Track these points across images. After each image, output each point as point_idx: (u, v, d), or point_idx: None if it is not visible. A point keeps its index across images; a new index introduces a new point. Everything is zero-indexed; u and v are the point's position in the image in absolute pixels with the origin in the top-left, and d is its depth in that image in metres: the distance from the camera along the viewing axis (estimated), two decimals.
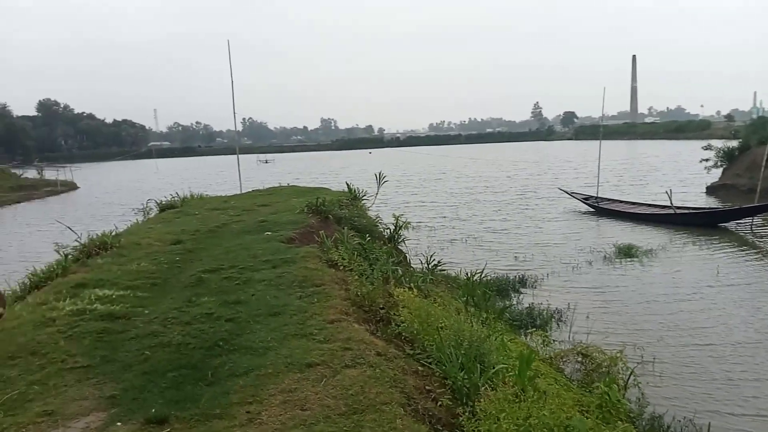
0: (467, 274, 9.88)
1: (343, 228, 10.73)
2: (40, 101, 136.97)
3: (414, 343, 4.73)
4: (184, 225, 10.49)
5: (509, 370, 4.18)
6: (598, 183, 23.87)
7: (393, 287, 6.48)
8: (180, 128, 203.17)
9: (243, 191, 18.47)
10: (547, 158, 62.00)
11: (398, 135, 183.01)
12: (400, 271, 8.18)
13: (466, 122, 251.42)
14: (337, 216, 11.05)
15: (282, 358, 3.95)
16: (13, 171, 46.70)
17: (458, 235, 18.12)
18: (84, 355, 4.21)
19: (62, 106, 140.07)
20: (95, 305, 5.25)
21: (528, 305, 10.45)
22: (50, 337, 4.51)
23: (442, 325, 4.92)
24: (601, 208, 21.94)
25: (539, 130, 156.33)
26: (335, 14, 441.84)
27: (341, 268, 6.95)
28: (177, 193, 15.19)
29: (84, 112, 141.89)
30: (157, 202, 14.10)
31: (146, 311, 5.30)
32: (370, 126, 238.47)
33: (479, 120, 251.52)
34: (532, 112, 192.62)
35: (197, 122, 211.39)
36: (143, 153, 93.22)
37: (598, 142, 24.67)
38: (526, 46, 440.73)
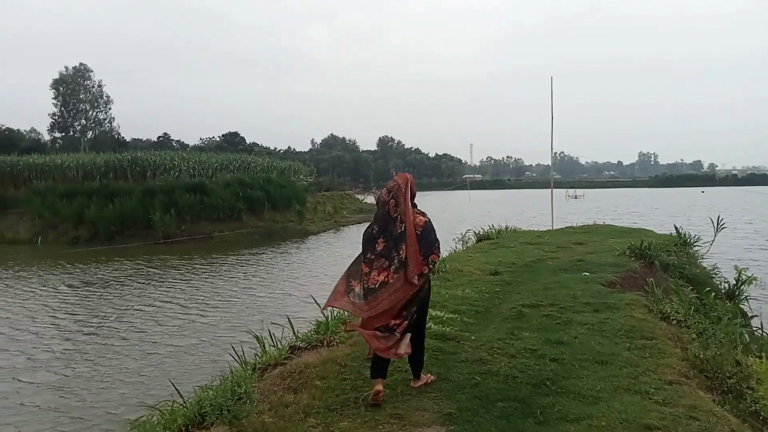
0: None
1: (671, 276, 9.69)
2: (379, 138, 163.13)
3: None
4: (500, 257, 10.92)
5: None
6: None
7: (741, 354, 5.54)
8: (492, 162, 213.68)
9: (554, 227, 18.33)
10: None
11: (735, 172, 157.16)
12: (746, 335, 6.97)
13: None
14: (663, 262, 10.05)
15: (615, 413, 3.72)
16: (356, 196, 55.53)
17: None
18: None
19: (396, 141, 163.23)
20: (430, 324, 5.83)
21: None
22: None
23: None
24: None
25: None
26: (669, 44, 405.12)
27: (674, 322, 6.26)
28: (492, 225, 15.98)
29: (412, 147, 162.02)
30: (474, 232, 15.08)
31: (473, 337, 5.66)
32: (698, 161, 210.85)
33: None
34: None
35: (508, 156, 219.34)
36: (460, 185, 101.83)
37: None
38: None
